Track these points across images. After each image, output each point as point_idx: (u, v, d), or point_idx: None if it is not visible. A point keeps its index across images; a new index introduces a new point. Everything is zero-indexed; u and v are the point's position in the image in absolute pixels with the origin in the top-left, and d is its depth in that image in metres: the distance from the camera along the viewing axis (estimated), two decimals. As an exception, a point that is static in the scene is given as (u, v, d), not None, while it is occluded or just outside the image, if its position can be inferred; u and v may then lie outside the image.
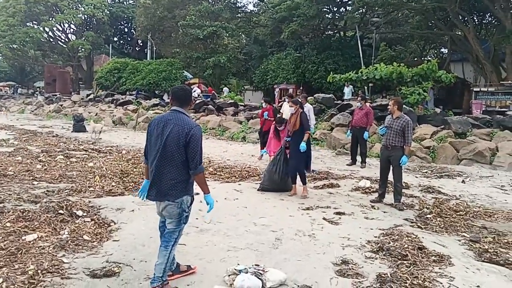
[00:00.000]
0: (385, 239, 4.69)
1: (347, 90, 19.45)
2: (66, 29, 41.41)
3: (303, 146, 6.50)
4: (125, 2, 44.75)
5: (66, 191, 6.26)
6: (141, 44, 45.45)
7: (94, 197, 6.06)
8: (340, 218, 5.60)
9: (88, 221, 4.89)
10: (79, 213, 5.17)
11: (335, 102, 15.82)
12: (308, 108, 10.04)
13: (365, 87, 20.54)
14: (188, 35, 28.60)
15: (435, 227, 5.40)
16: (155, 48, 36.77)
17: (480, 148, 10.12)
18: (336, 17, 29.41)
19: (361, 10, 28.57)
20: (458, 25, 25.73)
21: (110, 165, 8.69)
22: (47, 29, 38.92)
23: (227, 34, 30.23)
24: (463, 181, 8.43)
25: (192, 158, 3.19)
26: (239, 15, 35.62)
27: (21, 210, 4.93)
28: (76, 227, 4.64)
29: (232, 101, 20.65)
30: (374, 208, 6.24)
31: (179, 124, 3.21)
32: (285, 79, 25.86)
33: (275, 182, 6.91)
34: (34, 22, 38.52)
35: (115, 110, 22.88)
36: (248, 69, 35.66)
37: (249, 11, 38.17)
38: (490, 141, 11.01)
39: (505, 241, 4.83)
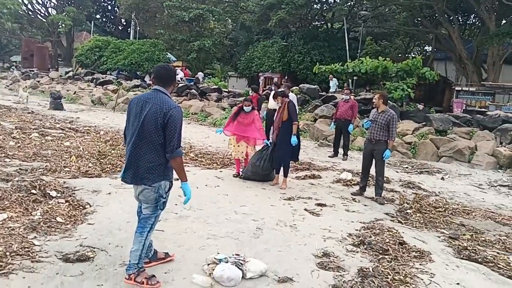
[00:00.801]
0: (366, 232, 4.67)
1: (332, 83, 19.44)
2: (46, 2, 39.94)
3: (294, 140, 6.37)
4: (109, -21, 43.39)
5: (40, 170, 6.01)
6: (124, 23, 44.28)
7: (70, 178, 5.84)
8: (321, 209, 5.56)
9: (62, 203, 4.69)
10: (53, 193, 4.96)
11: (320, 93, 15.76)
12: (292, 97, 9.94)
13: (349, 80, 20.59)
14: (174, 17, 27.95)
15: (415, 222, 5.42)
16: (138, 28, 35.87)
17: (459, 146, 10.25)
18: (325, 8, 29.24)
19: (349, 3, 28.52)
20: (444, 24, 25.97)
21: (87, 145, 8.42)
22: (26, 1, 37.36)
23: (214, 18, 29.70)
24: (442, 178, 8.53)
25: (169, 141, 3.01)
26: (226, -1, 35.05)
27: (-9, 188, 4.68)
28: (49, 208, 4.44)
29: (216, 86, 20.36)
30: (355, 201, 6.24)
31: (158, 103, 3.03)
32: (270, 67, 25.63)
33: (258, 174, 6.81)
34: (12, -7, 36.91)
35: (95, 90, 22.24)
36: (233, 55, 35.20)
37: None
38: (470, 139, 11.18)
39: (483, 239, 4.89)
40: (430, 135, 11.52)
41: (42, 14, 40.32)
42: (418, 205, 6.25)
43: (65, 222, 4.16)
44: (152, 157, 3.05)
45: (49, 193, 4.93)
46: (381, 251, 4.05)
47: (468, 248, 4.38)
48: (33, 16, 39.86)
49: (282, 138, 6.49)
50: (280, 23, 25.40)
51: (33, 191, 4.86)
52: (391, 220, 5.44)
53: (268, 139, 7.25)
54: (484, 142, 10.66)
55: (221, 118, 15.30)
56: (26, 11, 39.08)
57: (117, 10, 41.51)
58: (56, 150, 7.55)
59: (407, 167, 9.40)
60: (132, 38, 33.80)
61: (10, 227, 3.78)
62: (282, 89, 8.32)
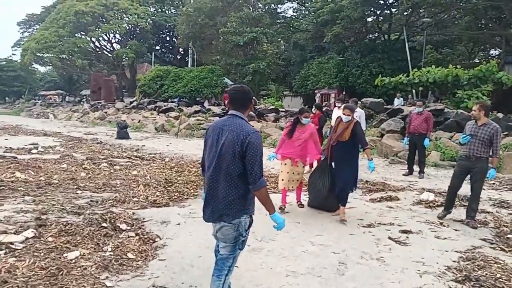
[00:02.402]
0: (468, 265, 4.02)
1: (398, 101, 18.51)
2: (111, 38, 42.78)
3: (371, 166, 5.60)
4: (167, 11, 45.60)
5: (110, 201, 6.00)
6: (182, 52, 46.14)
7: (138, 208, 5.76)
8: (407, 237, 4.95)
9: (132, 236, 4.55)
10: (123, 226, 4.85)
11: (385, 107, 14.97)
12: (360, 113, 9.43)
13: (414, 91, 19.50)
14: (229, 42, 28.57)
15: (522, 250, 4.64)
16: (195, 56, 37.12)
17: (555, 157, 9.04)
18: (380, 19, 28.37)
19: (406, 12, 27.45)
20: (515, 24, 24.05)
21: (153, 173, 8.44)
22: (93, 39, 40.29)
23: (267, 40, 29.97)
24: (540, 195, 7.48)
25: (250, 170, 2.67)
26: (279, 20, 35.32)
27: (64, 223, 4.66)
28: (119, 243, 4.30)
29: (273, 107, 20.20)
30: (444, 226, 5.53)
31: (235, 130, 2.72)
32: (327, 83, 25.16)
33: (322, 195, 5.92)
34: (82, 32, 40.01)
35: (158, 117, 23.07)
36: (287, 74, 35.18)
37: (289, 16, 37.77)
38: None
39: None
40: (516, 146, 10.35)
41: (107, 50, 43.28)
42: (520, 228, 5.43)
43: (136, 259, 3.98)
44: (231, 190, 2.74)
45: (119, 226, 4.83)
46: (494, 290, 3.40)
47: None
48: (100, 52, 42.88)
49: (343, 161, 5.58)
50: (336, 39, 25.02)
51: (103, 224, 4.79)
52: (491, 248, 4.71)
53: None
54: None
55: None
56: (94, 48, 42.16)
57: (175, 40, 43.41)
58: (124, 180, 7.62)
59: (494, 183, 8.40)
60: (190, 66, 35.06)
61: (83, 266, 3.64)
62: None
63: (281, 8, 36.52)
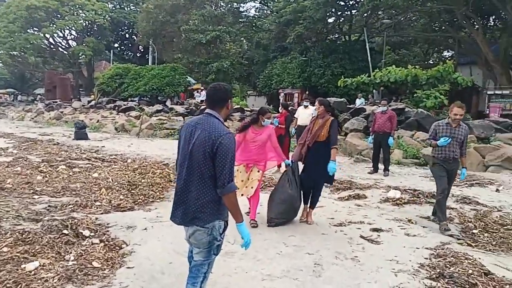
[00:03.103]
0: (440, 261, 4.07)
1: (359, 102, 18.90)
2: (67, 35, 41.02)
3: (332, 167, 5.05)
4: (126, 8, 44.28)
5: (70, 206, 5.64)
6: (142, 50, 44.99)
7: (101, 213, 5.45)
8: (378, 235, 4.99)
9: (96, 243, 4.27)
10: (86, 232, 4.55)
11: (348, 106, 15.22)
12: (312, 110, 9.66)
13: (374, 91, 20.01)
14: (191, 40, 28.16)
15: (486, 244, 4.78)
16: (156, 54, 36.30)
17: (508, 154, 9.51)
18: (341, 20, 28.94)
19: (365, 14, 28.18)
20: (467, 27, 25.26)
21: (116, 175, 8.06)
22: (47, 36, 38.44)
23: (230, 39, 29.80)
24: (497, 190, 7.81)
25: (219, 174, 2.51)
26: (241, 19, 35.22)
27: (21, 231, 4.30)
28: (83, 251, 4.02)
29: (238, 106, 20.07)
30: (412, 223, 5.63)
31: (207, 129, 2.57)
32: (290, 83, 25.33)
33: (290, 212, 5.27)
34: (35, 28, 38.07)
35: (117, 117, 22.30)
36: (250, 74, 35.17)
37: (251, 15, 37.78)
38: (517, 146, 10.40)
39: None
40: (472, 144, 10.78)
41: (63, 47, 41.47)
42: (482, 223, 5.62)
43: (102, 267, 3.72)
44: (203, 192, 2.58)
45: (82, 233, 4.53)
46: (467, 286, 3.45)
47: None
48: (54, 49, 41.00)
49: (317, 162, 5.19)
50: (298, 39, 25.22)
51: (64, 231, 4.47)
52: (459, 244, 4.82)
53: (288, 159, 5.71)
54: (534, 148, 9.88)
55: (247, 138, 14.88)
56: (48, 45, 40.26)
57: (135, 38, 42.30)
58: (85, 183, 7.22)
59: (454, 180, 8.68)
60: (150, 64, 34.20)
61: (43, 278, 3.35)
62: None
63: (243, 7, 36.52)
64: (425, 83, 14.17)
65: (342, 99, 15.88)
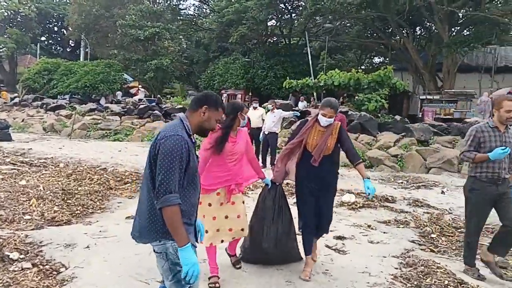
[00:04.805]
0: (411, 272, 3.92)
1: (301, 105, 19.03)
2: (-14, 25, 37.17)
3: (372, 189, 3.57)
4: (55, -1, 41.26)
5: (-7, 221, 4.79)
6: (73, 44, 42.15)
7: (33, 229, 4.68)
8: (343, 244, 4.78)
9: (28, 268, 3.59)
10: (14, 255, 3.82)
11: (293, 109, 15.20)
12: (278, 112, 9.62)
13: (314, 94, 20.34)
14: (128, 36, 26.79)
15: (447, 250, 4.79)
16: (89, 49, 34.14)
17: (448, 157, 9.96)
18: (282, 23, 29.20)
19: (303, 19, 28.64)
20: (399, 35, 26.67)
21: (47, 182, 7.14)
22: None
23: (169, 36, 28.83)
24: (442, 192, 8.07)
25: (157, 181, 2.09)
26: (181, 17, 34.27)
27: None
28: (11, 279, 3.34)
29: (181, 106, 19.32)
30: (372, 229, 5.52)
31: (160, 131, 2.24)
32: (233, 84, 25.02)
33: (270, 253, 3.76)
34: None
35: (46, 116, 20.43)
36: (191, 73, 34.34)
37: (191, 13, 36.97)
38: (453, 148, 10.95)
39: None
40: (413, 146, 11.21)
41: (-20, 38, 37.47)
42: (438, 227, 5.67)
43: (37, 300, 3.08)
44: (151, 204, 2.17)
45: (9, 255, 3.79)
46: (447, 300, 3.31)
47: (534, 282, 3.74)
48: (-30, 40, 36.93)
49: (327, 187, 3.81)
50: (241, 40, 24.97)
51: (-14, 254, 3.72)
52: (421, 250, 4.77)
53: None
54: (470, 150, 10.42)
55: (191, 140, 14.28)
56: (-37, 35, 36.18)
57: (65, 31, 39.49)
58: (10, 192, 6.25)
59: (402, 182, 8.88)
60: (82, 59, 32.05)
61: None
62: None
63: (183, 4, 35.61)
64: (366, 87, 14.56)
65: (288, 101, 15.87)
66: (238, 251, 4.00)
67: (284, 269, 3.90)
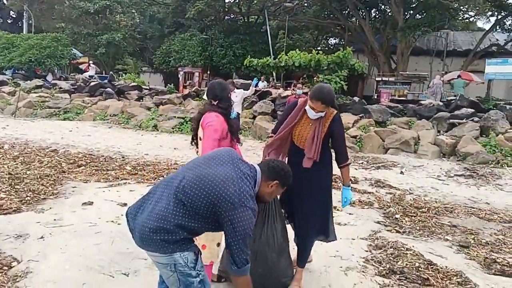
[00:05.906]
0: (381, 254, 3.94)
1: (261, 85, 18.84)
2: None
3: (348, 196, 3.24)
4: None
5: None
6: (14, 15, 38.99)
7: (-24, 219, 4.24)
8: (313, 227, 4.74)
9: (-27, 264, 3.21)
10: (-44, 249, 3.42)
11: (255, 88, 14.96)
12: (239, 92, 9.42)
13: (274, 74, 20.21)
14: (76, 8, 25.21)
15: (412, 230, 4.88)
16: (33, 21, 31.74)
17: (405, 138, 10.23)
18: (240, 1, 28.55)
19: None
20: (356, 16, 26.98)
21: (-9, 166, 6.56)
22: None
23: (120, 10, 27.38)
24: (401, 172, 8.29)
25: (232, 246, 2.02)
26: (134, -10, 32.59)
27: None
28: (-47, 277, 2.96)
29: (135, 84, 18.50)
30: (338, 210, 5.52)
31: (226, 180, 2.09)
32: (191, 61, 24.31)
33: (271, 256, 3.01)
34: None
35: (-15, 93, 18.84)
36: (144, 49, 32.98)
37: (145, -14, 35.20)
38: (409, 129, 11.29)
39: (484, 241, 4.53)
40: (372, 127, 11.43)
41: None
42: (401, 207, 5.80)
43: (-14, 300, 2.76)
44: (167, 222, 2.01)
45: (-50, 250, 3.39)
46: (420, 282, 3.33)
47: (497, 260, 3.88)
48: None
49: (319, 190, 3.14)
50: (198, 15, 24.15)
51: None
52: (387, 231, 4.84)
53: None
54: (425, 131, 10.80)
55: (148, 119, 13.75)
56: None
57: (5, 1, 36.37)
58: None
59: (362, 163, 9.04)
60: (26, 32, 29.76)
61: None
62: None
63: (136, -24, 33.77)
64: (326, 68, 14.56)
65: (249, 81, 15.57)
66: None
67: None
